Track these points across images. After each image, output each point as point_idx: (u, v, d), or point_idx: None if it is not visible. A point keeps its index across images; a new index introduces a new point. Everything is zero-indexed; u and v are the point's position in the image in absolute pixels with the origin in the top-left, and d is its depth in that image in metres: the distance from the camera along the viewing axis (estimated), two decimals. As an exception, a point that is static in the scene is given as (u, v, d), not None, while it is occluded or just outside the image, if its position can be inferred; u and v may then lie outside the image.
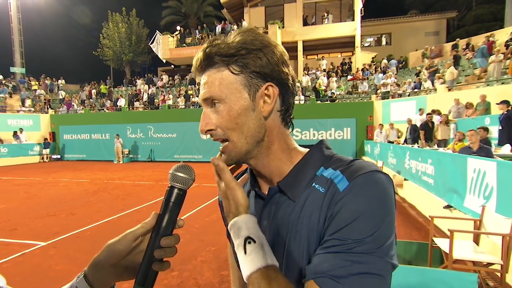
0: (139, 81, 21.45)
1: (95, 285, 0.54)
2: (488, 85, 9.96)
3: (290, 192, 0.57)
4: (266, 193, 0.62)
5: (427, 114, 9.32)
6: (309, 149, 0.62)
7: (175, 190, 0.56)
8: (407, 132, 10.34)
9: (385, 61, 18.02)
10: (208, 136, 0.59)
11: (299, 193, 0.56)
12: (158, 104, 17.36)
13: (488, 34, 13.29)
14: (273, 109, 0.58)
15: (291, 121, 0.63)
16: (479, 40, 13.81)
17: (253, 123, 0.57)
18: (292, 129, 0.63)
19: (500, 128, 6.98)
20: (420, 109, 10.39)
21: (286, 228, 0.56)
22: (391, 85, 14.27)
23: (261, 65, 0.55)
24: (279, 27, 18.96)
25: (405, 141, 10.42)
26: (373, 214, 0.48)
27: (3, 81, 20.38)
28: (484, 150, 4.57)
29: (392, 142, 10.49)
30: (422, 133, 9.00)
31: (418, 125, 9.81)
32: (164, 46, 20.73)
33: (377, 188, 0.50)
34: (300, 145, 0.65)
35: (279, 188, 0.59)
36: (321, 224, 0.52)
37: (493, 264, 2.70)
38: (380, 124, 11.96)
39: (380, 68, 16.89)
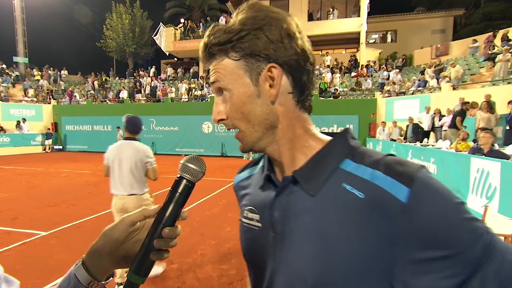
0: (151, 70, 21.14)
1: (93, 272, 0.54)
2: (494, 84, 9.86)
3: (307, 185, 0.52)
4: (280, 181, 0.58)
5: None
6: (332, 138, 0.57)
7: (184, 181, 0.54)
8: (407, 130, 10.28)
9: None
10: (221, 124, 0.58)
11: (318, 187, 0.51)
12: (159, 97, 17.31)
13: (490, 33, 13.03)
14: (278, 92, 0.52)
15: (309, 103, 0.56)
16: (484, 38, 13.62)
17: (260, 110, 0.53)
18: (310, 112, 0.57)
19: (508, 128, 6.93)
20: (426, 107, 10.23)
21: (303, 223, 0.51)
22: (395, 83, 14.14)
23: (261, 46, 0.50)
24: (283, 22, 18.76)
25: (405, 138, 10.37)
26: (458, 210, 0.43)
27: (6, 70, 20.38)
28: (495, 153, 4.45)
29: (395, 140, 10.43)
30: (459, 120, 8.13)
31: (425, 123, 9.69)
32: (167, 38, 20.61)
33: (437, 182, 0.45)
34: (322, 133, 0.59)
35: (294, 178, 0.54)
36: (384, 241, 0.45)
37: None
38: (382, 122, 11.89)
39: (385, 66, 16.70)
